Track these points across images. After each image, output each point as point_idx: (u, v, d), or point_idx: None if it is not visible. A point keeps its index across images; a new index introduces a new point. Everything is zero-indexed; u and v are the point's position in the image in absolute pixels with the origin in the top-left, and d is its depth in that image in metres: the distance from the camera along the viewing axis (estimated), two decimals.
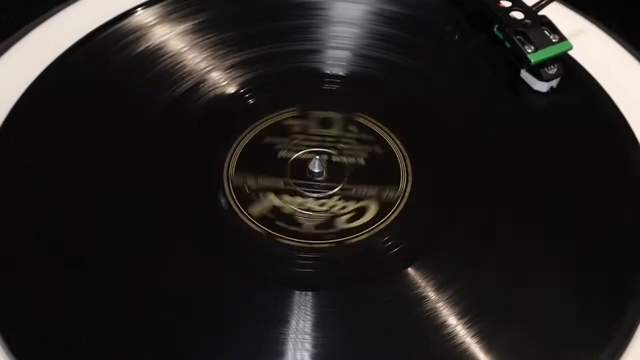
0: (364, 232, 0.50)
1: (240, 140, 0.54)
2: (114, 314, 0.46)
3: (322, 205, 0.52)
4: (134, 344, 0.45)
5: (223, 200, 0.51)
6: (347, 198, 0.52)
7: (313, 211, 0.51)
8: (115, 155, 0.53)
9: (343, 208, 0.52)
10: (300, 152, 0.54)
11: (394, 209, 0.51)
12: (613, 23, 0.63)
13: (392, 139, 0.55)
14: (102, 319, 0.45)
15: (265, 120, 0.56)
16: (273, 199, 0.52)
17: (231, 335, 0.45)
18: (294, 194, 0.52)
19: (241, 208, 0.51)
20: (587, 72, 0.59)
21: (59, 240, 0.49)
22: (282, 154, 0.54)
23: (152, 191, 0.52)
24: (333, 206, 0.52)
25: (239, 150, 0.54)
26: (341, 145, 0.55)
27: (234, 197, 0.52)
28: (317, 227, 0.51)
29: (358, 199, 0.52)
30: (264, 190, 0.52)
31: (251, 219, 0.51)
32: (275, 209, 0.51)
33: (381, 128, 0.56)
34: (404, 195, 0.52)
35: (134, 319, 0.46)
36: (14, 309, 0.46)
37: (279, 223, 0.51)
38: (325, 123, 0.56)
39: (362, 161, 0.54)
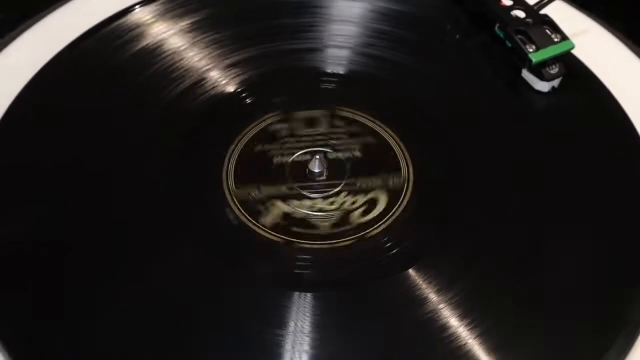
0: (381, 222, 0.50)
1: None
2: (113, 314, 0.45)
3: (332, 203, 0.51)
4: (132, 344, 0.44)
5: (232, 216, 0.50)
6: (354, 192, 0.52)
7: (325, 211, 0.51)
8: (114, 154, 0.53)
9: (353, 203, 0.51)
10: (295, 155, 0.53)
11: (403, 194, 0.51)
12: (616, 22, 0.62)
13: (380, 127, 0.55)
14: (100, 318, 0.45)
15: (252, 128, 0.55)
16: (281, 206, 0.51)
17: (230, 335, 0.45)
18: (300, 197, 0.51)
19: (252, 220, 0.50)
20: (590, 71, 0.58)
21: (58, 240, 0.49)
22: (277, 160, 0.53)
23: (150, 189, 0.51)
24: (343, 202, 0.51)
25: (234, 159, 0.53)
26: (333, 141, 0.54)
27: (242, 210, 0.50)
28: (333, 226, 0.50)
29: (366, 191, 0.52)
30: (269, 199, 0.51)
31: (264, 229, 0.50)
32: (287, 216, 0.50)
33: (366, 118, 0.55)
34: (408, 179, 0.52)
35: (132, 319, 0.45)
36: (12, 308, 0.46)
37: (294, 229, 0.50)
38: (311, 122, 0.55)
39: (357, 154, 0.54)
